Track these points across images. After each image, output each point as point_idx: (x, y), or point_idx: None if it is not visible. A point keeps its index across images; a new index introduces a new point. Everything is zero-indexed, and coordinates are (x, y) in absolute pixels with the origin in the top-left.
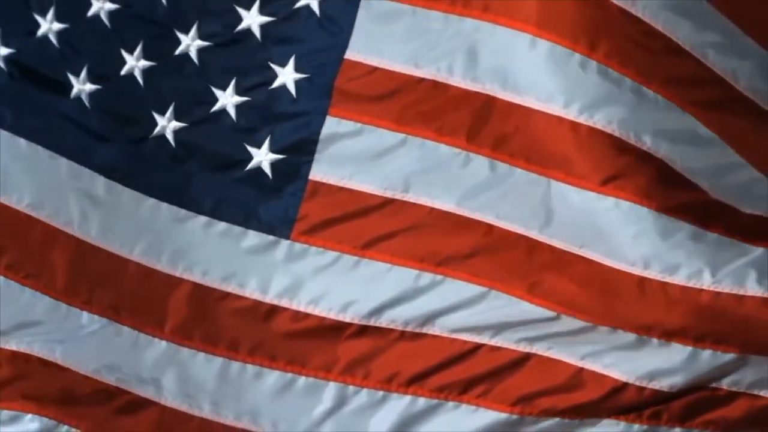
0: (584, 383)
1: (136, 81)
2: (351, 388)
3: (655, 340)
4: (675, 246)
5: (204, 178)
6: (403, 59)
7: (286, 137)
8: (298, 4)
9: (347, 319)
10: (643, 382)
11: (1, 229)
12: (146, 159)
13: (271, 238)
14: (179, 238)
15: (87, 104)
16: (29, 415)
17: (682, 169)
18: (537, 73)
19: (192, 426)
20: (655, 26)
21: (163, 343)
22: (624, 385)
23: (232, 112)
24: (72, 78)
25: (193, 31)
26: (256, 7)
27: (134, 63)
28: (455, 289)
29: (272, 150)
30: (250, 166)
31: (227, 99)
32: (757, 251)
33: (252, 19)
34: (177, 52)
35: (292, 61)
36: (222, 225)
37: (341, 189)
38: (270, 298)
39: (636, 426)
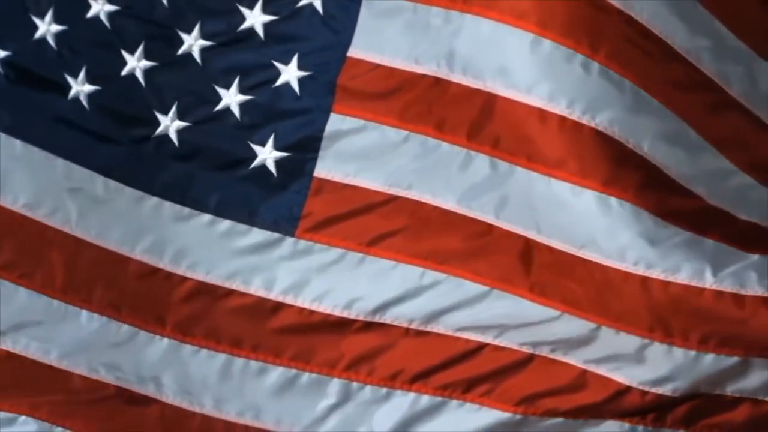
0: (588, 385)
1: (138, 81)
2: (355, 384)
3: (657, 344)
4: (675, 247)
5: (207, 176)
6: (404, 56)
7: (290, 135)
8: (300, 3)
9: (352, 316)
10: (646, 386)
11: None
12: (149, 158)
13: (275, 235)
14: (182, 237)
15: (86, 105)
16: (23, 417)
17: (677, 175)
18: (539, 73)
19: (194, 423)
20: (652, 29)
21: (165, 340)
22: (627, 389)
23: (235, 110)
24: (70, 79)
25: (196, 30)
26: (259, 6)
27: (135, 63)
28: (458, 287)
29: (276, 148)
30: (254, 164)
31: (231, 98)
32: (755, 257)
33: (255, 18)
34: (179, 51)
35: (295, 59)
36: (226, 223)
37: (346, 186)
38: (275, 295)
39: (640, 428)
